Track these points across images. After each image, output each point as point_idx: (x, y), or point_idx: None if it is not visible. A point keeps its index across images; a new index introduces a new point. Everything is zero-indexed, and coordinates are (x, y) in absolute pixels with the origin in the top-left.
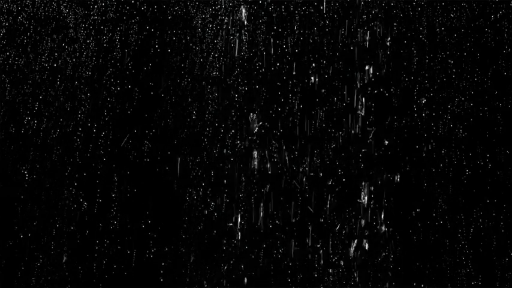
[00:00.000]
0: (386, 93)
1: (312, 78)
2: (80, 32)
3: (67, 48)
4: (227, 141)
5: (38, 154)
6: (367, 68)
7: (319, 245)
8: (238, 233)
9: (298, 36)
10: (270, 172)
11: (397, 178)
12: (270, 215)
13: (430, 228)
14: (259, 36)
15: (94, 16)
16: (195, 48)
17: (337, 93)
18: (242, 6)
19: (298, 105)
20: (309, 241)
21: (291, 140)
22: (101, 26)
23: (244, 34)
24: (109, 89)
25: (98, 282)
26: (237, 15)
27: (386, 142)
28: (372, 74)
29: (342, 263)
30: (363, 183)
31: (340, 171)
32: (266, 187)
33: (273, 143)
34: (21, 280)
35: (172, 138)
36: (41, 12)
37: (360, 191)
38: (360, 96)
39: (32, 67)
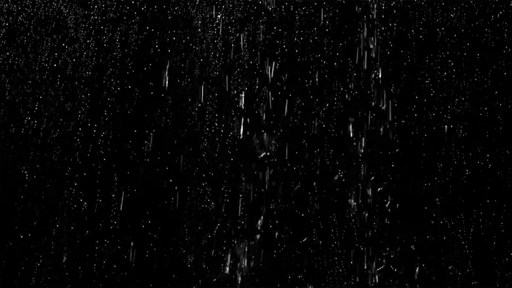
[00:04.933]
0: (387, 93)
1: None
2: (80, 32)
3: (67, 48)
4: (227, 141)
5: (38, 154)
6: (366, 67)
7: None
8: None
9: (298, 36)
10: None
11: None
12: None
13: (430, 228)
14: (259, 36)
15: (94, 16)
16: (195, 48)
17: (337, 94)
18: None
19: (299, 105)
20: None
21: (292, 140)
22: (101, 26)
23: (244, 34)
24: (109, 89)
25: (98, 282)
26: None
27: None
28: (372, 74)
29: (341, 263)
30: (363, 184)
31: (340, 171)
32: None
33: (274, 143)
34: (21, 280)
35: (172, 138)
36: (41, 12)
37: (359, 191)
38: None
39: (32, 67)
